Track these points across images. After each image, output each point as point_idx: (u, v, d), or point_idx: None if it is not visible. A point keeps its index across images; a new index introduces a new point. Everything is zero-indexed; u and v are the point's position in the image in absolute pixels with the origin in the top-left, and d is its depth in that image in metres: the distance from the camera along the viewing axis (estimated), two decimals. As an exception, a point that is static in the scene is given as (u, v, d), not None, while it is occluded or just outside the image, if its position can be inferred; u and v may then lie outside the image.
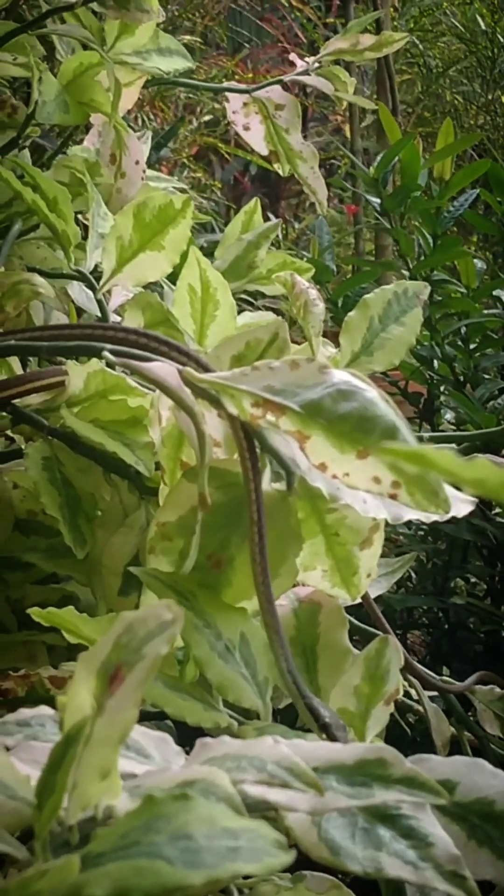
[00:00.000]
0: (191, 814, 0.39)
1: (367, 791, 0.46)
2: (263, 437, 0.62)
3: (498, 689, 0.80)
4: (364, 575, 0.67)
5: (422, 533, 1.20)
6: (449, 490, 0.65)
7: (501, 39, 2.57)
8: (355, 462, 0.57)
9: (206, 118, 2.95)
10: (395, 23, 2.61)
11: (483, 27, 2.64)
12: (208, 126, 3.04)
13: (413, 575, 1.22)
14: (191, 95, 2.91)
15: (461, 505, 0.65)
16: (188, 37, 3.01)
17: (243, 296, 1.30)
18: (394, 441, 0.56)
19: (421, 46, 2.84)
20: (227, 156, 3.56)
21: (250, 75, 3.04)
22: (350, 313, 0.79)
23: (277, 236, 1.73)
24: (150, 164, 2.08)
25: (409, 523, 1.23)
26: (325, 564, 0.67)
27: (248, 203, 1.18)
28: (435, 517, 0.60)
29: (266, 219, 1.14)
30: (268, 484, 0.64)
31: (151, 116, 2.82)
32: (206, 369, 0.65)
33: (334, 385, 0.59)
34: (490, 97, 2.75)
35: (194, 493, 0.62)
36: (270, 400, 0.59)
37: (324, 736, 0.56)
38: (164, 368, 0.62)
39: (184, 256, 0.90)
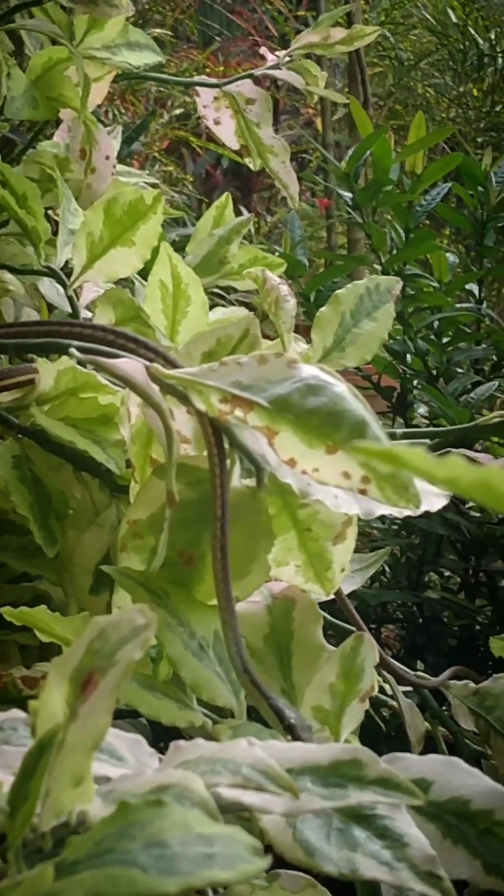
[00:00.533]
0: (165, 820, 0.39)
1: (342, 792, 0.46)
2: (232, 433, 0.62)
3: (472, 685, 0.80)
4: (338, 570, 0.67)
5: (395, 527, 1.20)
6: (422, 485, 0.65)
7: (472, 32, 2.57)
8: (325, 457, 0.57)
9: (178, 112, 2.94)
10: (366, 15, 2.61)
11: (454, 20, 2.64)
12: (179, 120, 3.03)
13: (387, 569, 1.22)
14: (161, 89, 2.90)
15: (434, 499, 0.65)
16: (158, 30, 3.00)
17: (216, 290, 1.30)
18: (364, 437, 0.56)
19: (392, 39, 2.84)
20: (198, 149, 3.56)
21: (221, 68, 3.03)
22: (322, 309, 0.79)
23: (249, 230, 1.72)
24: (121, 159, 2.06)
25: (382, 518, 1.23)
26: (298, 560, 0.67)
27: (219, 197, 1.17)
28: (407, 512, 0.60)
29: (238, 213, 1.14)
30: (238, 480, 0.64)
31: (122, 110, 2.80)
32: (175, 366, 0.64)
33: (303, 380, 0.58)
34: (462, 90, 2.75)
35: (164, 491, 0.62)
36: (238, 395, 0.58)
37: (289, 737, 0.56)
38: (131, 365, 0.61)
39: (155, 252, 0.90)
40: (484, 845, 0.51)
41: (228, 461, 0.63)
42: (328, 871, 0.47)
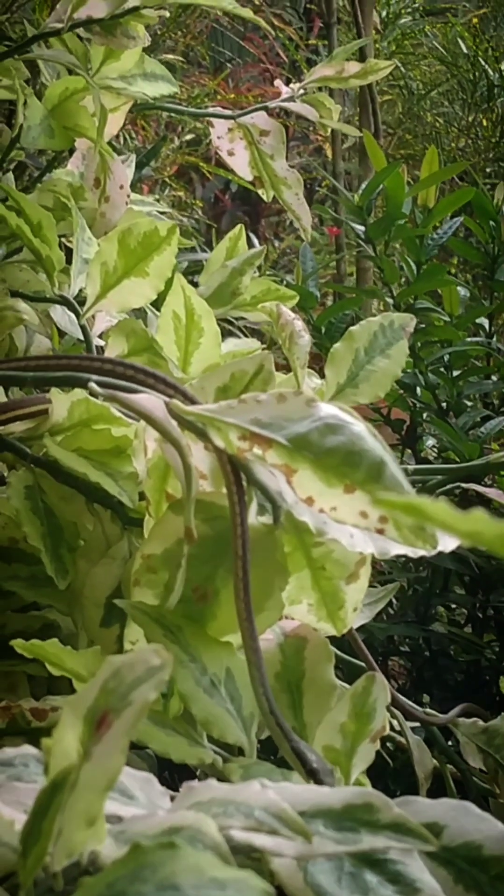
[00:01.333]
0: (178, 863, 0.39)
1: (354, 836, 0.46)
2: (250, 471, 0.62)
3: (481, 722, 0.80)
4: (350, 609, 0.67)
5: (403, 560, 1.20)
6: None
7: (482, 62, 2.58)
8: (342, 496, 0.57)
9: (188, 137, 2.94)
10: (378, 45, 2.62)
11: (464, 50, 2.65)
12: (190, 145, 3.03)
13: (395, 602, 1.22)
14: (171, 115, 2.91)
15: (448, 540, 0.65)
16: (170, 55, 3.01)
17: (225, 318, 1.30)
18: (382, 477, 0.56)
19: (403, 69, 2.85)
20: (207, 174, 3.56)
21: (232, 95, 3.04)
22: (335, 345, 0.79)
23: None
24: (132, 184, 2.07)
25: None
26: (312, 598, 0.67)
27: (228, 221, 1.18)
28: (422, 552, 0.60)
29: (247, 238, 1.14)
30: (254, 517, 0.64)
31: (133, 135, 2.81)
32: (192, 401, 0.64)
33: (321, 419, 0.59)
34: (471, 119, 2.76)
35: (180, 526, 0.62)
36: (257, 433, 0.59)
37: (311, 781, 0.55)
38: (150, 401, 0.61)
39: (168, 283, 0.90)
40: (496, 891, 0.50)
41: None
42: (339, 915, 0.47)
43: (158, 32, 3.08)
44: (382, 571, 1.23)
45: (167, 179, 2.92)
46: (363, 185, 1.10)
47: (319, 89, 1.16)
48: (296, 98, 1.14)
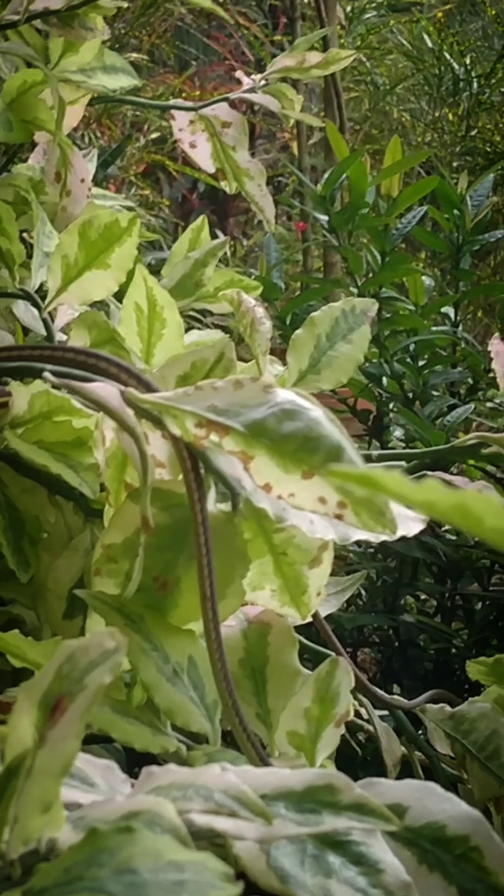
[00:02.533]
0: (135, 847, 0.38)
1: (316, 818, 0.46)
2: (207, 458, 0.61)
3: (448, 708, 0.79)
4: (314, 594, 0.67)
5: (371, 550, 1.20)
6: (398, 509, 0.65)
7: (447, 57, 2.59)
8: (300, 482, 0.56)
9: (154, 136, 2.94)
10: (343, 40, 2.62)
11: (430, 45, 2.66)
12: (156, 144, 3.03)
13: (363, 592, 1.21)
14: (137, 113, 2.91)
15: (411, 524, 0.65)
16: (135, 54, 3.01)
17: (193, 314, 1.30)
18: (340, 462, 0.56)
19: (368, 64, 2.85)
20: (174, 173, 3.56)
21: (197, 93, 3.04)
22: (297, 331, 0.79)
23: (226, 254, 1.72)
24: (97, 182, 2.06)
25: (358, 541, 1.22)
26: (274, 584, 0.67)
27: (195, 220, 1.17)
28: (384, 537, 0.59)
29: (214, 236, 1.14)
30: (213, 505, 0.64)
31: (98, 134, 2.80)
32: (151, 389, 0.64)
33: (278, 405, 0.58)
34: (437, 114, 2.77)
35: (139, 515, 0.61)
36: (214, 420, 0.58)
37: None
38: (105, 389, 0.61)
39: (130, 275, 0.90)
40: (459, 871, 0.50)
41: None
42: (302, 898, 0.46)
43: (123, 31, 3.07)
44: (351, 562, 1.23)
45: (133, 178, 2.92)
46: (325, 175, 1.10)
47: (283, 81, 1.15)
48: (257, 89, 1.13)
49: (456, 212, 1.14)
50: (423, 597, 1.25)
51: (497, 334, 0.81)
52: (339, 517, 0.57)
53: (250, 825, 0.44)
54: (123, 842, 0.39)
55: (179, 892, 0.37)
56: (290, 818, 0.46)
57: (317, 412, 0.59)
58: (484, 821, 0.51)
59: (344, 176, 1.09)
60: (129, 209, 1.25)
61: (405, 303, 1.13)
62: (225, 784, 0.44)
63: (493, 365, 0.83)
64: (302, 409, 0.58)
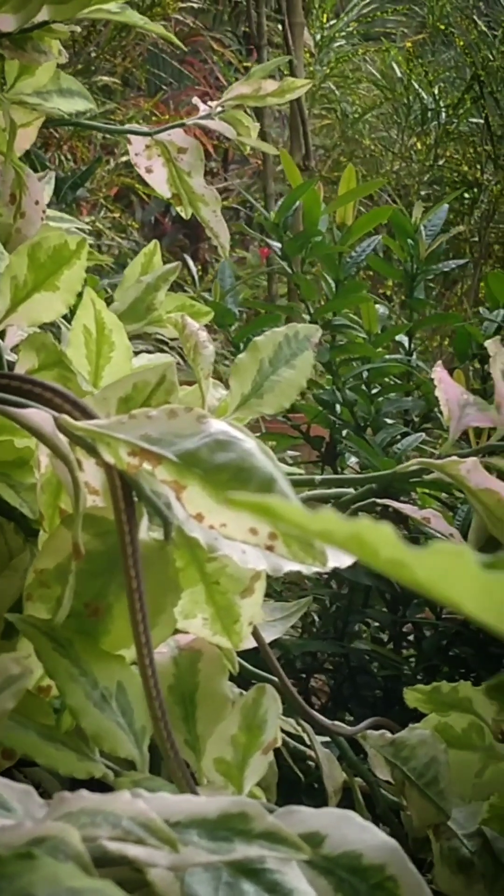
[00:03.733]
0: (35, 873, 0.38)
1: (228, 846, 0.46)
2: (140, 486, 0.62)
3: (389, 734, 0.79)
4: (245, 623, 0.67)
5: (326, 576, 1.20)
6: (332, 539, 0.65)
7: (416, 86, 2.61)
8: (232, 513, 0.57)
9: (124, 159, 2.94)
10: (311, 68, 2.64)
11: (399, 74, 2.68)
12: (126, 167, 3.03)
13: (317, 619, 1.22)
14: (106, 137, 2.92)
15: (343, 556, 0.65)
16: (107, 77, 3.02)
17: (158, 339, 1.30)
18: (271, 493, 0.56)
19: (338, 92, 2.87)
20: (145, 197, 3.57)
21: (167, 117, 3.04)
22: (240, 356, 0.79)
23: (194, 278, 1.72)
24: (66, 204, 2.06)
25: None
26: (206, 612, 0.66)
27: (167, 244, 1.18)
28: (316, 568, 0.60)
29: (185, 261, 1.14)
30: (146, 532, 0.64)
31: (68, 156, 2.81)
32: (88, 415, 0.64)
33: (211, 435, 0.59)
34: (407, 144, 2.78)
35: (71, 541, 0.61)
36: (147, 449, 0.58)
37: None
38: (39, 415, 0.61)
39: (80, 297, 0.90)
40: (374, 901, 0.50)
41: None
42: (215, 926, 0.46)
43: (95, 55, 3.08)
44: (305, 588, 1.23)
45: (103, 201, 2.92)
46: (279, 203, 1.11)
47: (238, 107, 1.16)
48: (213, 116, 1.14)
49: (410, 241, 1.15)
50: (377, 624, 1.26)
51: (440, 362, 0.82)
52: (269, 548, 0.57)
53: (162, 853, 0.44)
54: (24, 868, 0.38)
55: (76, 920, 0.37)
56: (202, 845, 0.46)
57: (250, 444, 0.59)
58: (400, 850, 0.51)
59: (298, 203, 1.09)
60: (98, 233, 1.25)
61: (357, 330, 1.13)
62: (133, 811, 0.44)
63: (437, 392, 0.83)
64: (235, 440, 0.59)
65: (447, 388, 0.82)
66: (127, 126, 1.14)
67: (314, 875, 0.50)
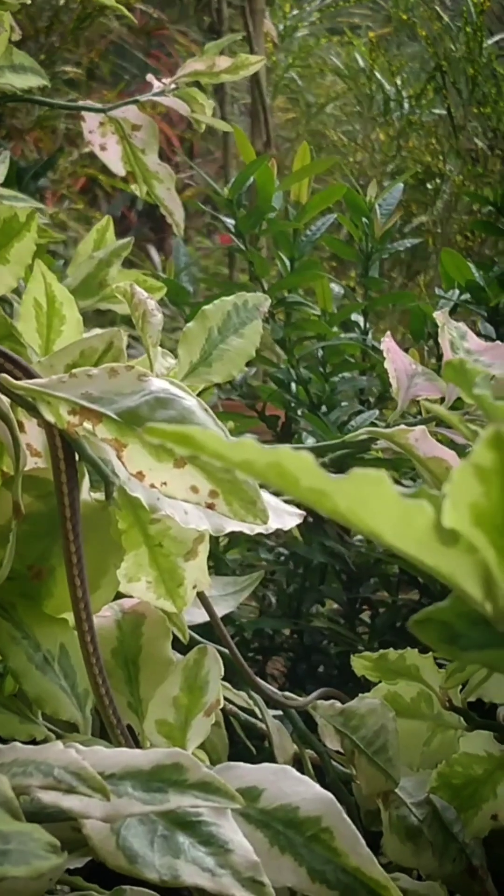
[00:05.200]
0: (-39, 817, 0.38)
1: (161, 797, 0.45)
2: (81, 446, 0.61)
3: (339, 704, 0.79)
4: (189, 586, 0.66)
5: (283, 558, 1.20)
6: (277, 504, 0.65)
7: (379, 77, 2.61)
8: (172, 471, 0.56)
9: (88, 149, 2.93)
10: (274, 57, 2.63)
11: (362, 65, 2.68)
12: (90, 157, 3.02)
13: (274, 601, 1.21)
14: (70, 126, 2.90)
15: (288, 518, 0.65)
16: (69, 68, 3.00)
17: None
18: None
19: (300, 82, 2.87)
20: (110, 190, 3.55)
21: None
22: (189, 324, 0.79)
23: (157, 268, 1.71)
24: (30, 193, 2.05)
25: (270, 548, 1.22)
26: (150, 575, 0.66)
27: (133, 237, 1.17)
28: (259, 529, 0.60)
29: (149, 254, 1.14)
30: (87, 493, 0.63)
31: (32, 148, 2.80)
32: (29, 374, 0.63)
33: (152, 393, 0.58)
34: (370, 134, 2.78)
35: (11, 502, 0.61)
36: (87, 407, 0.58)
37: None
38: (-23, 374, 0.60)
39: (30, 271, 0.89)
40: (310, 852, 0.50)
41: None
42: (150, 877, 0.46)
43: (57, 46, 3.07)
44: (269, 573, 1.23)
45: (66, 192, 2.91)
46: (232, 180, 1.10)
47: (192, 85, 1.16)
48: (167, 92, 1.13)
49: (365, 220, 1.15)
50: (336, 607, 1.25)
51: (388, 333, 0.82)
52: (210, 506, 0.57)
53: (97, 803, 0.44)
54: (-49, 813, 0.38)
55: (2, 862, 0.36)
56: (136, 797, 0.45)
57: (190, 401, 0.59)
58: (335, 802, 0.50)
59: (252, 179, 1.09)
60: (59, 225, 1.25)
61: (311, 307, 1.13)
62: (65, 760, 0.44)
63: (386, 364, 0.83)
64: (175, 397, 0.58)
65: (395, 359, 0.82)
66: (81, 103, 1.13)
67: (251, 829, 0.50)
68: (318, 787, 0.51)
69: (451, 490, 0.33)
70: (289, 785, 0.51)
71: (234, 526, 0.59)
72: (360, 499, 0.33)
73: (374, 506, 0.33)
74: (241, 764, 0.53)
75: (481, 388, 0.38)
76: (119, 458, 0.57)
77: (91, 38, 3.44)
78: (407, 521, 0.33)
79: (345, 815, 0.50)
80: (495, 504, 0.32)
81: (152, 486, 0.57)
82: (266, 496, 0.64)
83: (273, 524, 0.62)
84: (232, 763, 0.53)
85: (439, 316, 0.82)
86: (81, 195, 3.34)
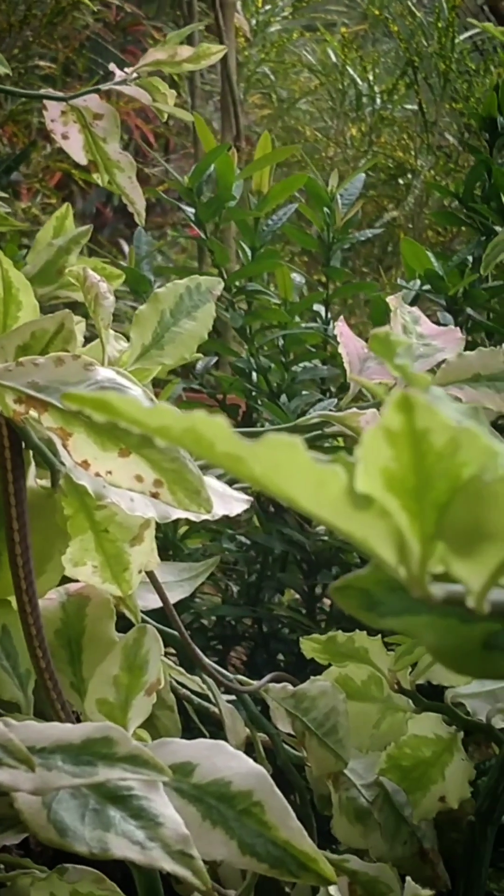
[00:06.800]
0: None
1: (91, 770, 0.46)
2: (28, 434, 0.62)
3: (290, 687, 0.79)
4: (135, 571, 0.67)
5: (247, 546, 1.20)
6: (225, 490, 0.65)
7: (351, 72, 2.61)
8: (118, 460, 0.57)
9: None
10: (246, 52, 2.64)
11: (334, 60, 2.68)
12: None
13: (235, 590, 1.22)
14: (43, 121, 2.89)
15: (235, 504, 0.65)
16: (44, 63, 3.00)
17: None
18: (153, 444, 0.56)
19: (273, 77, 2.87)
20: (85, 187, 3.55)
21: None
22: (141, 307, 0.79)
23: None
24: (1, 188, 2.05)
25: (232, 538, 1.22)
26: (96, 560, 0.66)
27: (108, 233, 1.17)
28: (205, 516, 0.60)
29: (119, 248, 1.14)
30: (33, 480, 0.64)
31: (5, 142, 2.79)
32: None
33: (98, 382, 0.59)
34: (342, 130, 2.79)
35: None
36: (33, 396, 0.59)
37: None
38: None
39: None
40: (241, 826, 0.50)
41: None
42: (80, 850, 0.46)
43: (31, 39, 3.06)
44: (225, 561, 1.23)
45: (39, 186, 2.90)
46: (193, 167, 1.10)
47: (153, 74, 1.16)
48: (129, 82, 1.13)
49: (326, 210, 1.15)
50: (297, 597, 1.26)
51: (341, 317, 0.82)
52: (155, 495, 0.57)
53: (25, 776, 0.44)
54: None
55: None
56: (66, 770, 0.46)
57: (136, 391, 0.60)
58: (267, 777, 0.51)
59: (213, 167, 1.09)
60: (22, 218, 1.25)
61: (271, 296, 1.13)
62: (-8, 732, 0.43)
63: (340, 349, 0.83)
64: (121, 387, 0.59)
65: (348, 342, 0.82)
66: (42, 91, 1.13)
67: (184, 803, 0.50)
68: (251, 762, 0.51)
69: (362, 454, 0.33)
70: (222, 760, 0.52)
71: (179, 513, 0.59)
72: (275, 464, 0.34)
73: (288, 471, 0.34)
74: (177, 740, 0.53)
75: (402, 358, 0.38)
76: (65, 446, 0.58)
77: (67, 34, 3.43)
78: (321, 486, 0.33)
79: (276, 790, 0.50)
80: (406, 467, 0.33)
81: (97, 474, 0.57)
82: (214, 483, 0.65)
83: (220, 511, 0.63)
84: (167, 739, 0.53)
85: (392, 300, 0.82)
86: (57, 191, 3.33)
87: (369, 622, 0.37)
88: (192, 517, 0.60)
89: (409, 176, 2.58)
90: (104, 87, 1.13)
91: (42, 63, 3.14)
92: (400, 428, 0.32)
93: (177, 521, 1.07)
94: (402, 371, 0.37)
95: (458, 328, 0.87)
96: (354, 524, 0.34)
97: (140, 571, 0.67)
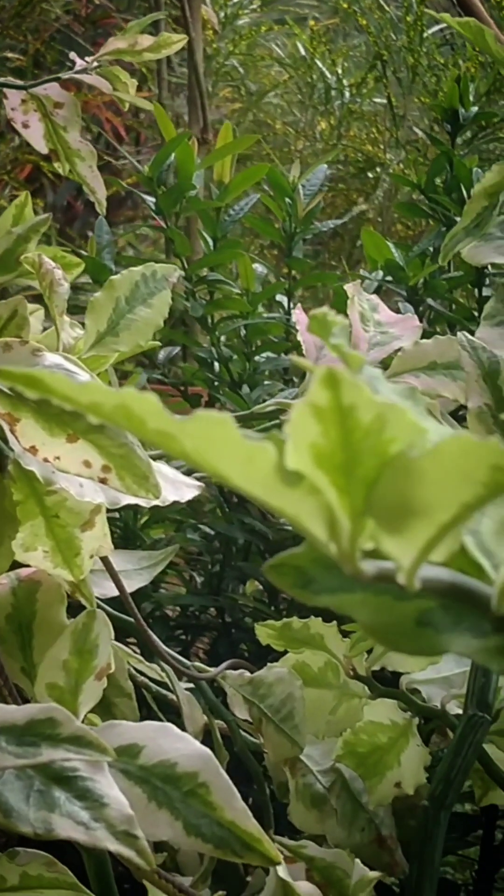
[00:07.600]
0: None
1: (34, 750, 0.46)
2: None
3: (247, 674, 0.80)
4: (86, 556, 0.67)
5: (212, 535, 1.20)
6: (176, 476, 0.66)
7: (320, 65, 2.61)
8: (66, 446, 0.57)
9: (29, 135, 2.91)
10: (215, 45, 2.63)
11: (303, 53, 2.68)
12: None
13: (197, 580, 1.22)
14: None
15: (186, 490, 0.66)
16: (12, 53, 2.99)
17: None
18: (102, 431, 0.57)
19: (241, 70, 2.86)
20: (55, 179, 3.54)
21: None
22: (96, 294, 0.79)
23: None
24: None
25: (196, 528, 1.22)
26: (46, 545, 0.66)
27: (79, 226, 1.17)
28: (156, 502, 0.60)
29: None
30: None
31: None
32: None
33: (46, 368, 0.59)
34: (311, 123, 2.79)
35: None
36: (-21, 382, 0.58)
37: None
38: None
39: None
40: (186, 807, 0.50)
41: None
42: (24, 831, 0.46)
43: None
44: (191, 553, 1.24)
45: (8, 179, 2.89)
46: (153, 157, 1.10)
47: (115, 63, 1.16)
48: (90, 70, 1.13)
49: (288, 200, 1.15)
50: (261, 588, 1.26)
51: (299, 305, 0.82)
52: (103, 481, 0.57)
53: (-32, 757, 0.44)
54: None
55: None
56: (9, 751, 0.46)
57: (84, 377, 0.60)
58: (213, 758, 0.51)
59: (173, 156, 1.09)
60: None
61: (232, 286, 1.13)
62: None
63: (299, 337, 0.84)
64: (69, 373, 0.59)
65: (306, 330, 0.82)
66: (1, 80, 1.13)
67: (130, 784, 0.51)
68: (197, 743, 0.52)
69: (290, 431, 0.33)
70: (168, 742, 0.52)
71: (128, 499, 0.59)
72: (206, 440, 0.34)
73: (219, 447, 0.34)
74: (124, 722, 0.54)
75: (338, 337, 0.39)
76: (12, 432, 0.58)
77: (36, 26, 3.42)
78: (251, 462, 0.34)
79: (221, 771, 0.50)
80: (334, 443, 0.33)
81: (45, 460, 0.57)
82: (164, 468, 0.65)
83: (170, 496, 0.63)
84: (115, 721, 0.54)
85: (350, 288, 0.82)
86: (27, 183, 3.32)
87: (304, 600, 0.37)
88: (143, 503, 0.60)
89: (378, 169, 2.59)
90: (64, 75, 1.13)
91: (11, 55, 3.13)
92: (326, 403, 0.32)
93: (137, 510, 1.07)
94: (337, 350, 0.38)
95: (416, 316, 0.88)
96: (285, 501, 0.34)
97: (92, 557, 0.67)
